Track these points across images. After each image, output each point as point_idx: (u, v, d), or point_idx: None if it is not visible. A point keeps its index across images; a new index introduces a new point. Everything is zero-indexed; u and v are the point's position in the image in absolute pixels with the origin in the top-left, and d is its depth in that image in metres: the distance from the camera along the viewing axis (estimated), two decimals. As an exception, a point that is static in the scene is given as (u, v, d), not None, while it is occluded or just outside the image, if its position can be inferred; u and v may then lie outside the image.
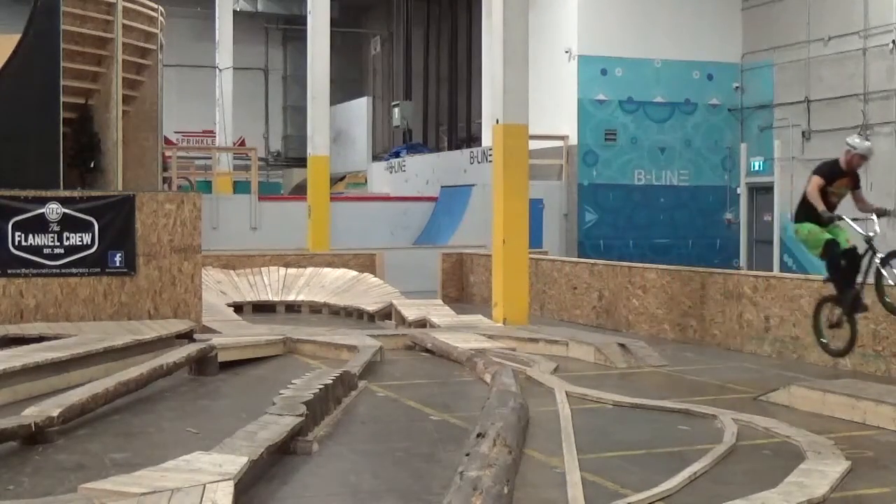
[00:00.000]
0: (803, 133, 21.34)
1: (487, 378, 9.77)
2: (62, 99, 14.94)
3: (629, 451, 7.47)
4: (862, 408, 8.34)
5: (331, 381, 8.52)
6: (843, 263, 9.62)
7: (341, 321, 15.69)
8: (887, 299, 9.57)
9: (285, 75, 38.10)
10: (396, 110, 32.15)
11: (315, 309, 16.88)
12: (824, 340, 10.23)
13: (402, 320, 14.71)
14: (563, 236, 22.38)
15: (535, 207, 20.19)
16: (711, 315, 13.08)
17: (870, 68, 19.94)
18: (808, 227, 9.77)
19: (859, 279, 9.66)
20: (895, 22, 19.42)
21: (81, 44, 15.99)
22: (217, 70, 29.15)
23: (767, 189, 20.89)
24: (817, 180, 9.71)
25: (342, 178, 31.83)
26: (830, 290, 10.15)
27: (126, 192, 13.19)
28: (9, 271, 11.86)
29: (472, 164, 24.21)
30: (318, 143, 21.55)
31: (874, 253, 9.49)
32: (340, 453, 7.32)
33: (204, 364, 10.58)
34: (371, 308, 15.84)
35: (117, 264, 12.29)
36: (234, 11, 30.10)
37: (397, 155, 29.49)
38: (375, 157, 31.45)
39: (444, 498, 5.50)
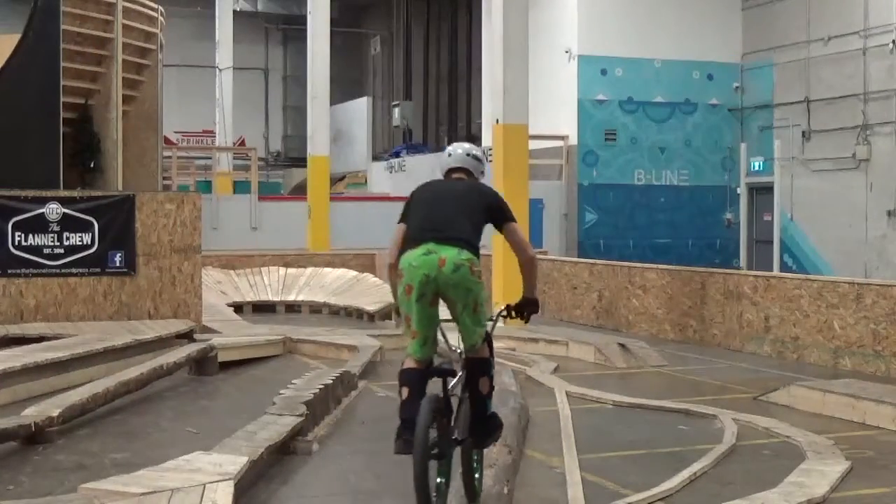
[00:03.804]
0: (803, 133, 21.33)
1: (487, 378, 9.76)
2: (62, 99, 14.93)
3: (629, 451, 7.47)
4: (862, 408, 8.34)
5: (331, 381, 8.52)
6: None
7: (341, 321, 15.69)
8: None
9: (285, 75, 38.08)
10: (396, 110, 32.14)
11: (315, 309, 16.87)
12: None
13: (402, 320, 14.69)
14: (563, 236, 22.38)
15: (535, 207, 20.18)
16: (711, 315, 13.07)
17: (870, 68, 19.94)
18: None
19: None
20: (895, 22, 19.41)
21: (81, 44, 15.98)
22: (217, 70, 29.15)
23: (767, 189, 20.87)
24: None
25: (342, 178, 31.82)
26: None
27: (126, 192, 13.19)
28: (9, 271, 11.85)
29: (472, 164, 24.15)
30: (318, 143, 21.55)
31: None
32: (340, 453, 7.31)
33: (204, 364, 10.58)
34: (371, 308, 15.83)
35: (117, 264, 12.28)
36: (234, 11, 30.10)
37: (397, 155, 29.49)
38: (375, 157, 31.45)
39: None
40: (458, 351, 5.39)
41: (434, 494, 4.93)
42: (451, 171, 5.69)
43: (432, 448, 4.88)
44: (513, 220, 5.55)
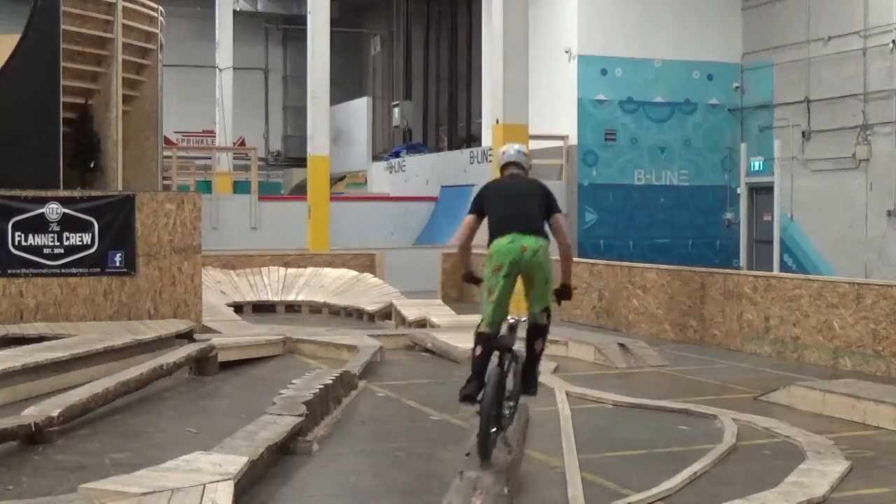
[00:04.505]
0: (803, 133, 21.33)
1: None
2: (62, 99, 14.93)
3: (629, 451, 7.47)
4: (862, 408, 8.34)
5: (331, 381, 8.52)
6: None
7: (341, 321, 15.69)
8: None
9: (285, 75, 38.10)
10: (396, 110, 32.15)
11: (315, 309, 16.87)
12: None
13: (402, 320, 14.70)
14: (563, 236, 22.35)
15: (535, 207, 20.10)
16: (711, 315, 13.08)
17: (870, 68, 19.94)
18: None
19: None
20: (895, 22, 19.41)
21: (81, 44, 15.98)
22: (217, 70, 29.14)
23: (767, 189, 20.88)
24: None
25: (342, 178, 31.82)
26: None
27: (126, 192, 13.19)
28: (9, 271, 11.85)
29: (472, 164, 24.19)
30: (318, 143, 21.54)
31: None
32: (340, 453, 7.31)
33: (204, 364, 10.58)
34: (371, 308, 15.83)
35: (117, 264, 12.29)
36: (234, 11, 30.08)
37: (397, 155, 29.49)
38: (375, 157, 31.45)
39: (444, 498, 5.50)
40: (514, 320, 6.74)
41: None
42: (507, 165, 7.18)
43: (496, 411, 6.23)
44: (560, 211, 7.13)
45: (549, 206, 7.00)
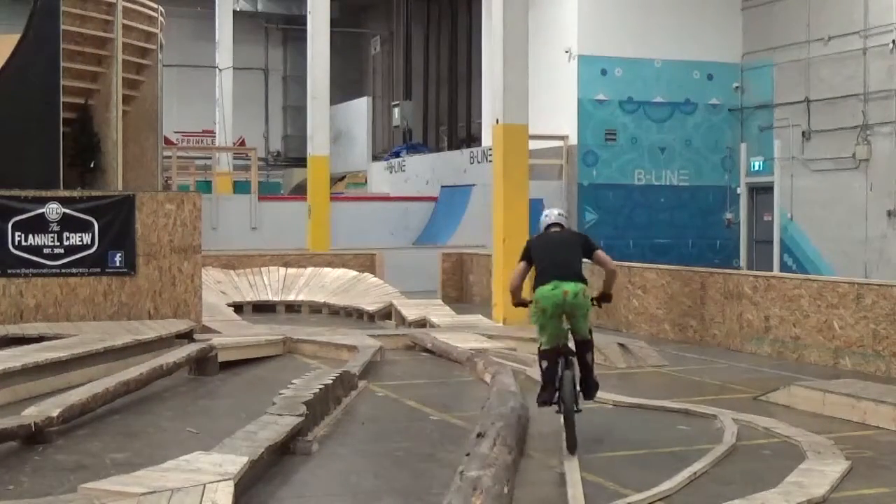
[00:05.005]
0: (803, 133, 21.33)
1: (487, 378, 9.76)
2: (62, 99, 14.94)
3: (629, 451, 7.48)
4: (862, 408, 8.34)
5: (331, 381, 8.52)
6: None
7: (341, 321, 15.69)
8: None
9: (285, 75, 38.08)
10: (396, 110, 32.15)
11: (315, 309, 16.87)
12: None
13: (402, 320, 14.70)
14: (563, 236, 22.33)
15: (535, 207, 20.12)
16: (711, 315, 13.08)
17: (870, 68, 19.93)
18: None
19: None
20: (895, 22, 19.41)
21: (81, 44, 16.00)
22: (217, 70, 29.15)
23: (767, 189, 20.89)
24: None
25: (342, 178, 31.83)
26: None
27: (126, 192, 13.19)
28: (9, 271, 11.86)
29: (472, 164, 24.20)
30: (318, 143, 21.56)
31: None
32: (340, 453, 7.32)
33: (204, 364, 10.58)
34: (371, 308, 15.84)
35: (117, 264, 12.29)
36: (234, 11, 30.09)
37: (397, 155, 29.49)
38: (375, 157, 31.45)
39: (444, 498, 5.50)
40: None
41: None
42: (549, 225, 8.20)
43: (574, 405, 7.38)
44: (598, 248, 8.15)
45: (588, 249, 8.01)
